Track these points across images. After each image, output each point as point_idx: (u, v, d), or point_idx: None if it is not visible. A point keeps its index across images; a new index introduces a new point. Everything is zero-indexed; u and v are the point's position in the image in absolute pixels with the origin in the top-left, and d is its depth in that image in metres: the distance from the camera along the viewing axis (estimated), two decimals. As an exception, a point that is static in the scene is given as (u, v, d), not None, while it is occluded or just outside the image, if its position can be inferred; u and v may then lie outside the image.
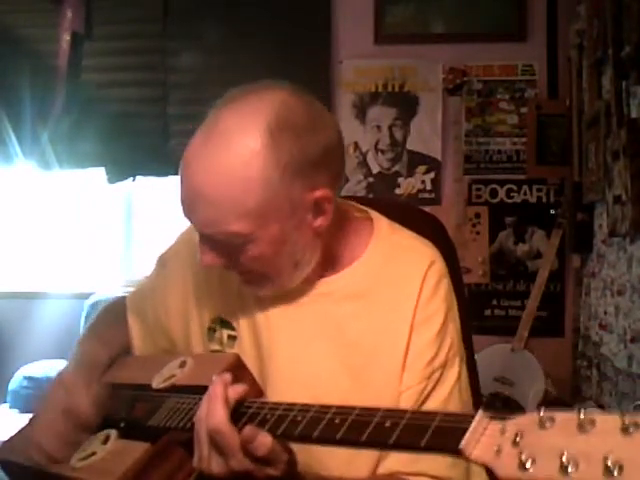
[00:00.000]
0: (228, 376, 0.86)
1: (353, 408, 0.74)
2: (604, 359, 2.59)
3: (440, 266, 1.05)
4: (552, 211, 3.12)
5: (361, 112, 3.26)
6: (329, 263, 1.03)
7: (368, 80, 3.25)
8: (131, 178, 3.37)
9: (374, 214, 1.10)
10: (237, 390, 0.84)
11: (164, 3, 3.30)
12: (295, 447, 0.88)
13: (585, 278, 2.94)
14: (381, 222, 1.08)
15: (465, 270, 2.97)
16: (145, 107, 3.34)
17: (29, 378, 3.05)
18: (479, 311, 3.13)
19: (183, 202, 0.93)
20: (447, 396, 1.00)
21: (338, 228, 1.02)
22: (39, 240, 3.73)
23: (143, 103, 3.34)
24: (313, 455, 0.94)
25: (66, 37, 3.19)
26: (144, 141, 3.32)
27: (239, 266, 0.97)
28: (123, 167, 3.35)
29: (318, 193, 0.93)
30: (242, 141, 0.89)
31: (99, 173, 3.38)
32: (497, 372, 2.74)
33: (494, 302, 3.19)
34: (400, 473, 0.97)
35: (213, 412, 0.81)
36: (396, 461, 0.97)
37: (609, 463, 0.52)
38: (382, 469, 0.98)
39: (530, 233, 3.18)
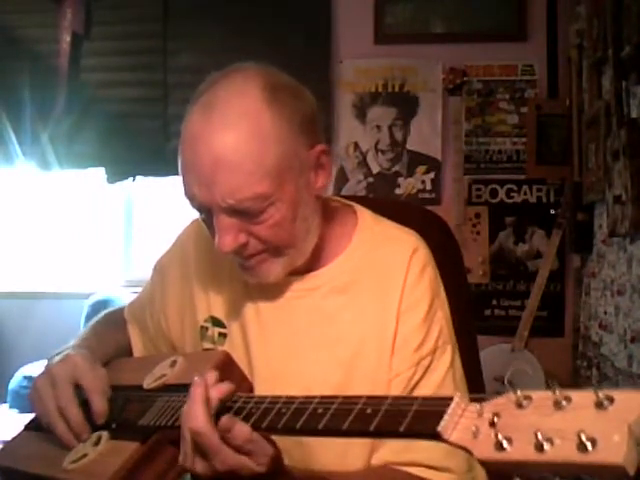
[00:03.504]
0: (211, 376, 0.84)
1: (336, 397, 0.75)
2: (604, 359, 2.59)
3: (424, 253, 1.05)
4: (552, 211, 3.12)
5: (361, 112, 3.26)
6: (316, 256, 1.03)
7: (368, 80, 3.25)
8: (131, 178, 3.37)
9: (357, 207, 1.11)
10: (221, 389, 0.83)
11: (164, 3, 3.30)
12: (290, 442, 0.88)
13: (585, 278, 2.94)
14: (364, 214, 1.10)
15: (465, 270, 2.97)
16: (145, 107, 3.34)
17: (29, 378, 3.05)
18: (479, 311, 3.13)
19: (200, 180, 0.92)
20: (439, 384, 1.00)
21: (323, 220, 1.04)
22: (39, 240, 3.73)
23: (143, 103, 3.34)
24: (307, 450, 0.95)
25: (66, 37, 3.19)
26: (144, 141, 3.32)
27: (256, 243, 0.96)
28: (123, 167, 3.35)
29: (318, 148, 0.98)
30: (246, 102, 0.92)
31: (99, 173, 3.38)
32: (497, 372, 2.74)
33: (494, 302, 3.19)
34: (393, 463, 0.97)
35: (193, 414, 0.80)
36: (388, 451, 0.97)
37: (583, 438, 0.52)
38: (375, 460, 0.98)
39: (530, 233, 3.18)
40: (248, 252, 0.96)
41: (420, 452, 0.95)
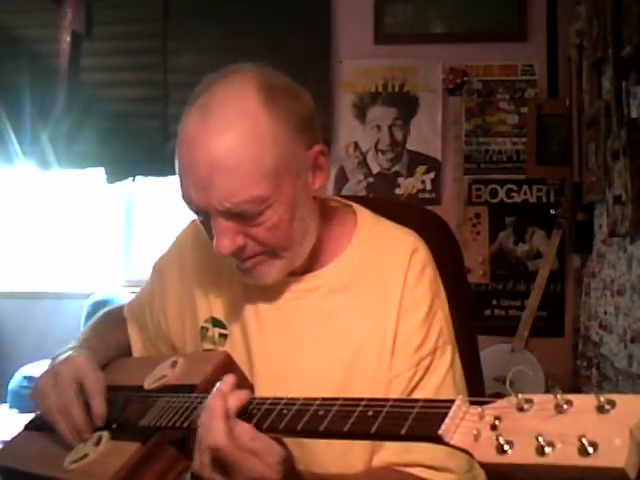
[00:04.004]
0: (228, 383, 0.84)
1: (337, 399, 0.75)
2: (604, 359, 2.59)
3: (423, 253, 1.05)
4: (552, 211, 3.12)
5: (361, 112, 3.26)
6: (315, 257, 1.03)
7: (368, 80, 3.25)
8: (131, 178, 3.38)
9: (357, 207, 1.11)
10: (240, 398, 0.82)
11: (164, 3, 3.30)
12: (290, 443, 0.88)
13: (585, 278, 2.94)
14: (364, 214, 1.09)
15: (465, 270, 2.97)
16: (145, 107, 3.34)
17: (29, 378, 3.05)
18: (479, 311, 3.13)
19: (196, 183, 0.92)
20: (439, 384, 1.00)
21: (322, 221, 1.04)
22: (39, 240, 3.73)
23: (143, 103, 3.34)
24: (307, 450, 0.95)
25: (66, 37, 3.19)
26: (144, 141, 3.32)
27: (254, 245, 0.95)
28: (123, 167, 3.35)
29: (315, 149, 0.98)
30: (243, 103, 0.92)
31: (99, 173, 3.38)
32: (497, 372, 2.74)
33: (494, 302, 3.19)
34: (394, 464, 0.97)
35: (213, 429, 0.80)
36: (390, 452, 0.97)
37: (584, 442, 0.52)
38: (376, 461, 0.98)
39: (530, 233, 3.18)
40: (246, 254, 0.96)
41: (421, 452, 0.95)
